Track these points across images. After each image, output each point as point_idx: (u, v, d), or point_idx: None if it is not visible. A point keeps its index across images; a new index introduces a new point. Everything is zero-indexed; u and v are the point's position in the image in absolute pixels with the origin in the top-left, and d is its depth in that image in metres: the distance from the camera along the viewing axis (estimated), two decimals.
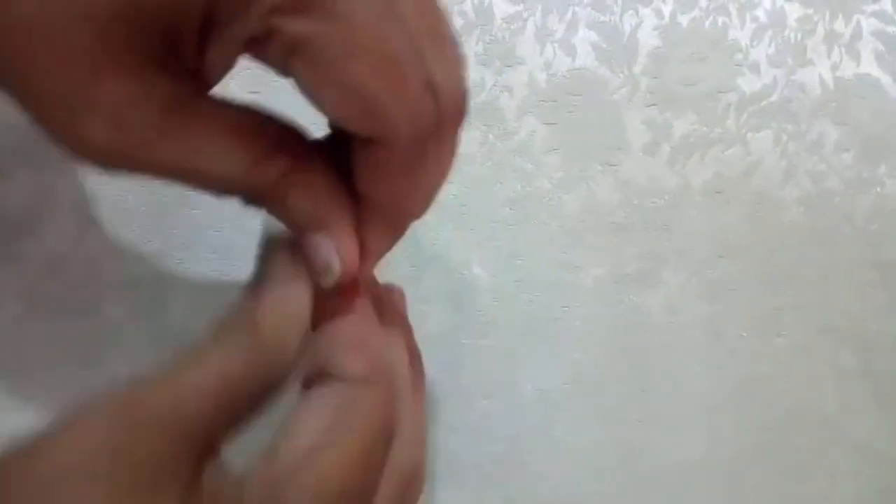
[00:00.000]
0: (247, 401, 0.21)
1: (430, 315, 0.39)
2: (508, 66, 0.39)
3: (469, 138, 0.39)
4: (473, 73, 0.39)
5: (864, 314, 0.40)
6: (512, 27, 0.39)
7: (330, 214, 0.23)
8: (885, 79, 0.41)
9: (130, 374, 0.35)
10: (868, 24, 0.41)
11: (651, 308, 0.40)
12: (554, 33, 0.39)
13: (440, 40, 0.22)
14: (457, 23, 0.39)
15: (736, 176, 0.40)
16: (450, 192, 0.39)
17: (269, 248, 0.24)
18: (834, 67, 0.41)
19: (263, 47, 0.20)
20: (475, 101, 0.39)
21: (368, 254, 0.25)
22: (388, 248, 0.26)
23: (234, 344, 0.21)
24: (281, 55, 0.20)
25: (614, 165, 0.40)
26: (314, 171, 0.23)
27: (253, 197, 0.23)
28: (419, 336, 0.38)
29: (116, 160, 0.21)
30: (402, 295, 0.29)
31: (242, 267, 0.38)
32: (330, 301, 0.24)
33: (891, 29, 0.41)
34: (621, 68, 0.40)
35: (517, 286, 0.39)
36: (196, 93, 0.22)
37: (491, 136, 0.39)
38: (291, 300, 0.23)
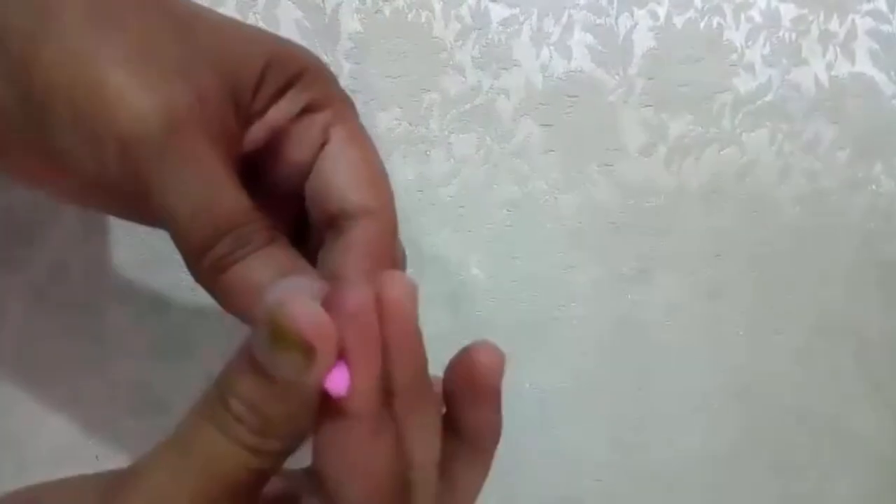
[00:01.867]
0: (247, 492, 0.21)
1: (429, 316, 0.39)
2: (505, 69, 0.40)
3: (466, 141, 0.39)
4: (470, 77, 0.39)
5: (860, 313, 0.40)
6: (508, 30, 0.40)
7: (305, 265, 0.24)
8: (880, 77, 0.41)
9: (133, 378, 0.36)
10: (863, 24, 0.41)
11: (648, 307, 0.40)
12: (550, 36, 0.40)
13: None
14: (453, 27, 0.39)
15: (732, 176, 0.40)
16: (447, 195, 0.39)
17: (274, 327, 0.21)
18: (829, 67, 0.41)
19: (313, 114, 0.26)
20: (472, 103, 0.39)
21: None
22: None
23: (235, 437, 0.21)
24: (326, 122, 0.26)
25: (611, 166, 0.40)
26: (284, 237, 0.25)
27: (243, 238, 0.23)
28: None
29: (169, 128, 0.22)
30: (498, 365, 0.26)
31: None
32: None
33: (885, 28, 0.41)
34: (617, 70, 0.40)
35: (515, 287, 0.39)
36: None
37: (488, 138, 0.40)
38: (303, 394, 0.21)
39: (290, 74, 0.25)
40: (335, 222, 0.25)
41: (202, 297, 0.37)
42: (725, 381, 0.40)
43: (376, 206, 0.25)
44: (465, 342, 0.39)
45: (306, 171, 0.26)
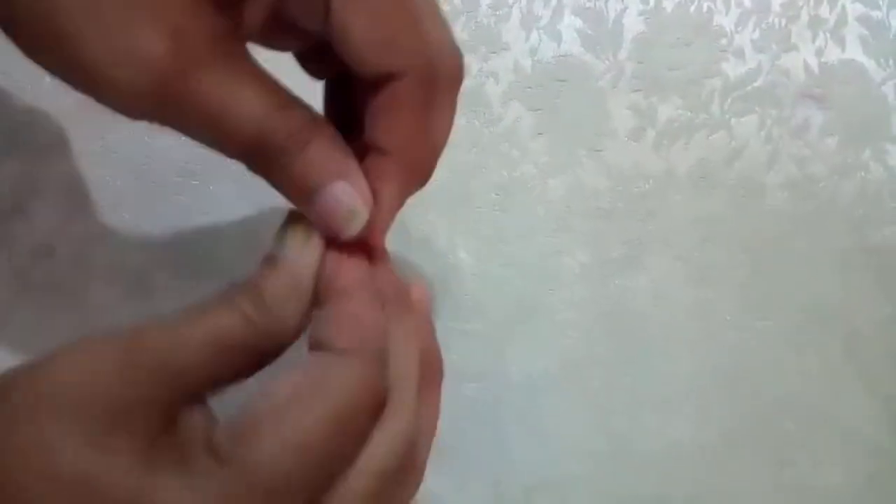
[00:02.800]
0: (239, 361, 0.23)
1: None
2: (494, 53, 0.40)
3: (455, 124, 0.39)
4: None
5: (849, 299, 0.40)
6: (498, 13, 0.39)
7: (348, 164, 0.24)
8: (870, 64, 0.41)
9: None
10: (853, 10, 0.41)
11: (637, 293, 0.40)
12: (539, 19, 0.40)
13: (435, 13, 0.25)
14: (443, 10, 0.39)
15: (721, 161, 0.40)
16: (435, 178, 0.39)
17: (288, 222, 0.25)
18: (819, 53, 0.41)
19: None
20: (462, 87, 0.39)
21: (382, 208, 0.25)
22: (400, 204, 0.27)
23: (235, 306, 0.23)
24: None
25: (599, 151, 0.40)
26: (329, 126, 0.24)
27: (276, 146, 0.23)
28: None
29: (163, 88, 0.21)
30: (423, 293, 0.29)
31: (229, 252, 0.38)
32: (344, 264, 0.25)
33: (875, 14, 0.41)
34: (606, 54, 0.40)
35: (503, 271, 0.39)
36: (238, 36, 0.23)
37: (477, 122, 0.39)
38: (297, 272, 0.24)
39: None
40: (367, 82, 0.24)
41: (188, 277, 0.37)
42: (714, 367, 0.40)
43: (399, 66, 0.23)
44: (452, 325, 0.39)
45: (326, 35, 0.24)
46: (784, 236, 0.40)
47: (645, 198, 0.40)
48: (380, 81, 0.24)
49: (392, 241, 0.39)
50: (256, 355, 0.23)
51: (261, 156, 0.24)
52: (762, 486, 0.40)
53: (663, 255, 0.40)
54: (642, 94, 0.40)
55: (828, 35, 0.41)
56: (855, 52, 0.41)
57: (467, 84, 0.39)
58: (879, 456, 0.40)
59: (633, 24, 0.40)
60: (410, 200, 0.36)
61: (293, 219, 0.25)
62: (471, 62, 0.39)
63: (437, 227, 0.39)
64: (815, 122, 0.41)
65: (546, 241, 0.40)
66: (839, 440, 0.40)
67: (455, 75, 0.25)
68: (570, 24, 0.40)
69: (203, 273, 0.38)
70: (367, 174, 0.25)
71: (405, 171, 0.26)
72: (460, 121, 0.39)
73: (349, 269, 0.25)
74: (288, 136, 0.23)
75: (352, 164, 0.24)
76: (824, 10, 0.41)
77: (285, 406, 0.21)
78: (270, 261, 0.24)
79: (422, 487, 0.39)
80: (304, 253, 0.24)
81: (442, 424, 0.39)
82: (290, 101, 0.23)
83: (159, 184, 0.37)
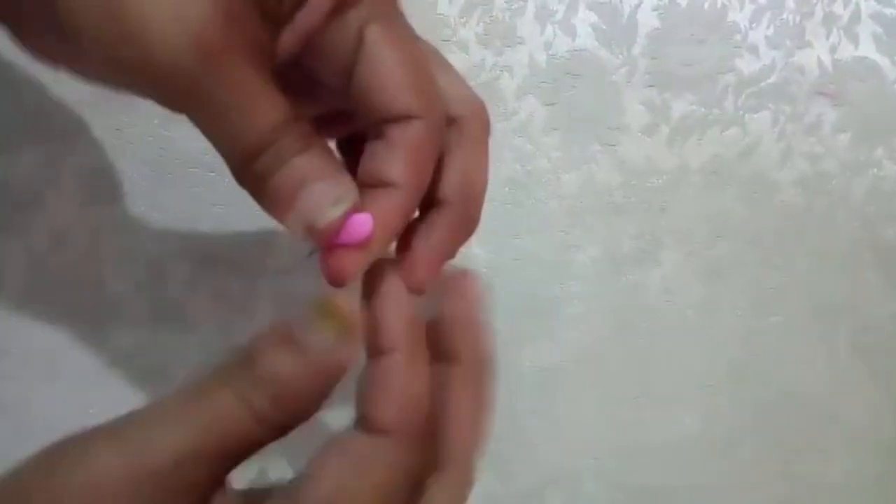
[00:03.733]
0: (249, 452, 0.22)
1: None
2: (509, 47, 0.40)
3: None
4: (474, 54, 0.39)
5: (859, 295, 0.41)
6: (512, 7, 0.40)
7: (340, 170, 0.24)
8: (883, 61, 0.41)
9: (132, 346, 0.36)
10: (867, 7, 0.41)
11: (648, 287, 0.40)
12: (554, 14, 0.40)
13: (448, 68, 0.27)
14: (458, 3, 0.39)
15: (733, 157, 0.40)
16: None
17: (320, 306, 0.23)
18: (832, 49, 0.41)
19: (341, 21, 0.23)
20: (475, 81, 0.39)
21: (420, 255, 0.25)
22: (449, 250, 0.27)
23: (246, 402, 0.21)
24: (362, 19, 0.23)
25: (613, 146, 0.40)
26: (325, 143, 0.24)
27: (268, 151, 0.23)
28: None
29: (202, 55, 0.21)
30: (472, 288, 0.28)
31: (244, 243, 0.38)
32: (387, 312, 0.24)
33: (889, 12, 0.41)
34: (621, 49, 0.40)
35: (516, 265, 0.39)
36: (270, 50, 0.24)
37: (491, 116, 0.39)
38: (327, 369, 0.22)
39: None
40: (379, 128, 0.24)
41: (201, 267, 0.37)
42: (723, 362, 0.40)
43: (416, 109, 0.23)
44: None
45: (348, 75, 0.24)
46: (795, 232, 0.41)
47: (658, 193, 0.40)
48: (397, 118, 0.24)
49: None
50: (258, 446, 0.22)
51: (257, 158, 0.23)
52: (770, 479, 0.40)
53: (675, 250, 0.40)
54: (656, 89, 0.40)
55: (841, 32, 0.41)
56: (868, 49, 0.41)
57: (481, 79, 0.39)
58: (887, 451, 0.40)
59: (648, 20, 0.40)
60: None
61: (327, 306, 0.22)
62: (485, 56, 0.39)
63: None
64: (827, 119, 0.41)
65: (559, 235, 0.40)
66: (847, 435, 0.40)
67: (480, 118, 0.27)
68: (584, 18, 0.40)
69: (217, 264, 0.38)
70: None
71: (456, 220, 0.27)
72: None
73: (392, 320, 0.24)
74: (288, 143, 0.23)
75: (343, 172, 0.24)
76: (838, 7, 0.41)
77: (328, 497, 0.21)
78: (288, 343, 0.22)
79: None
80: (336, 346, 0.22)
81: None
82: (297, 116, 0.23)
83: (175, 175, 0.37)
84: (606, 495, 0.39)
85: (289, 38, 0.24)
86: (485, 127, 0.27)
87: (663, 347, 0.40)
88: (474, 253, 0.39)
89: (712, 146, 0.40)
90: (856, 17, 0.41)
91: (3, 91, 0.36)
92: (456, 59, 0.39)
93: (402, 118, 0.23)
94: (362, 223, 0.23)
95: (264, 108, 0.22)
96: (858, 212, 0.41)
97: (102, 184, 0.37)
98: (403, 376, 0.23)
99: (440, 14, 0.39)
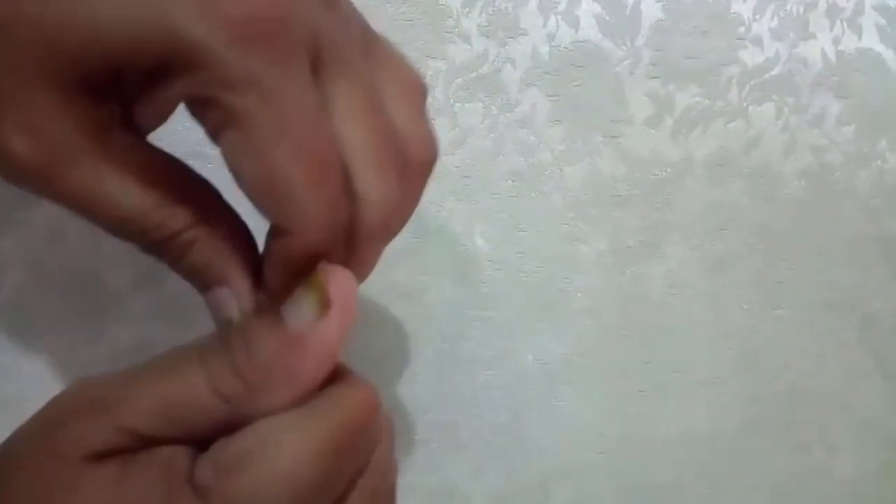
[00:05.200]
0: (225, 423, 0.21)
1: (433, 287, 0.39)
2: (511, 38, 0.39)
3: (471, 110, 0.39)
4: (476, 45, 0.39)
5: (864, 287, 0.40)
6: None
7: (230, 269, 0.23)
8: (887, 53, 0.41)
9: (131, 342, 0.35)
10: None
11: (653, 280, 0.40)
12: (557, 5, 0.39)
13: (377, 155, 0.23)
14: None
15: (738, 149, 0.40)
16: (452, 165, 0.39)
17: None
18: (836, 41, 0.41)
19: (202, 110, 0.21)
20: (478, 72, 0.39)
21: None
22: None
23: (212, 380, 0.21)
24: (215, 122, 0.21)
25: (617, 138, 0.40)
26: (219, 225, 0.23)
27: (152, 244, 0.23)
28: (422, 306, 0.38)
29: (32, 178, 0.21)
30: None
31: None
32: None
33: (892, 3, 0.41)
34: (624, 41, 0.40)
35: (519, 258, 0.39)
36: (120, 127, 0.22)
37: (494, 108, 0.39)
38: (311, 348, 0.22)
39: (149, 67, 0.20)
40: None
41: None
42: (729, 355, 0.40)
43: (285, 226, 0.21)
44: (469, 312, 0.39)
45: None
46: (800, 225, 0.40)
47: (662, 186, 0.40)
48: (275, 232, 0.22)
49: (408, 228, 0.38)
50: (226, 424, 0.22)
51: (145, 248, 0.23)
52: (777, 473, 0.40)
53: (680, 243, 0.40)
54: (660, 81, 0.40)
55: (845, 24, 0.41)
56: (872, 40, 0.41)
57: (484, 70, 0.39)
58: (894, 443, 0.40)
59: (652, 11, 0.40)
60: (427, 187, 0.36)
61: (313, 281, 0.22)
62: (488, 48, 0.39)
63: (453, 215, 0.39)
64: (832, 111, 0.41)
65: (563, 228, 0.39)
66: (854, 428, 0.40)
67: (380, 229, 0.24)
68: (588, 9, 0.39)
69: None
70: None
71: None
72: (477, 107, 0.39)
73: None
74: (165, 236, 0.22)
75: (233, 270, 0.23)
76: None
77: (272, 437, 0.20)
78: (269, 322, 0.22)
79: (438, 474, 0.38)
80: (314, 319, 0.21)
81: (458, 411, 0.39)
82: (172, 199, 0.22)
83: None
84: (612, 490, 0.39)
85: (151, 111, 0.22)
86: (377, 236, 0.24)
87: (668, 341, 0.39)
88: (478, 246, 0.39)
89: (716, 138, 0.40)
90: (859, 9, 0.41)
91: None
92: (458, 51, 0.39)
93: (274, 228, 0.22)
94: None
95: (122, 196, 0.21)
96: (863, 204, 0.40)
97: None
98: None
99: (442, 5, 0.38)
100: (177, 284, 0.37)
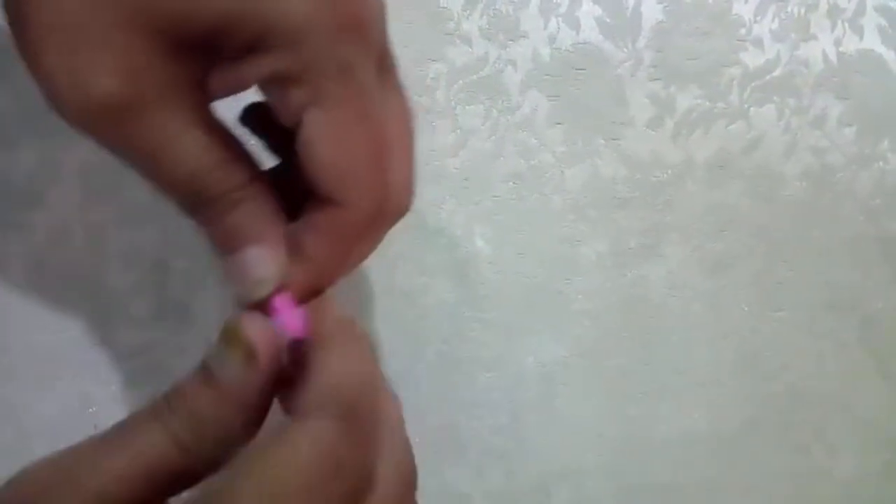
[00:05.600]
0: (172, 484, 0.22)
1: (433, 288, 0.39)
2: (512, 41, 0.39)
3: (472, 112, 0.39)
4: (477, 48, 0.39)
5: (865, 289, 0.40)
6: (516, 1, 0.39)
7: (270, 231, 0.24)
8: (888, 54, 0.41)
9: (133, 344, 0.35)
10: (871, 0, 0.41)
11: (653, 282, 0.40)
12: (558, 7, 0.39)
13: (409, 148, 0.26)
14: None
15: (739, 150, 0.40)
16: (453, 166, 0.39)
17: (226, 335, 0.24)
18: (837, 42, 0.41)
19: (285, 88, 0.22)
20: (479, 74, 0.39)
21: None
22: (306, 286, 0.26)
23: (167, 429, 0.22)
24: (300, 100, 0.22)
25: (617, 140, 0.40)
26: (264, 191, 0.24)
27: (202, 202, 0.24)
28: (422, 307, 0.38)
29: (109, 119, 0.22)
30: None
31: None
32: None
33: (894, 4, 0.41)
34: (625, 43, 0.40)
35: (520, 260, 0.39)
36: (199, 86, 0.23)
37: (494, 110, 0.39)
38: (235, 394, 0.23)
39: (246, 39, 0.21)
40: (316, 202, 0.24)
41: (203, 263, 0.37)
42: (729, 356, 0.40)
43: (345, 200, 0.23)
44: (469, 314, 0.39)
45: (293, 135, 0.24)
46: (801, 226, 0.40)
47: (662, 187, 0.40)
48: (328, 200, 0.24)
49: (409, 230, 0.39)
50: (191, 477, 0.22)
51: (193, 204, 0.24)
52: (777, 474, 0.40)
53: (680, 244, 0.40)
54: (661, 83, 0.40)
55: (846, 25, 0.41)
56: (873, 42, 0.41)
57: (485, 72, 0.39)
58: (894, 444, 0.40)
59: (652, 13, 0.40)
60: (428, 189, 0.36)
61: (230, 333, 0.23)
62: (489, 50, 0.39)
63: (454, 216, 0.39)
64: (833, 112, 0.41)
65: (563, 229, 0.39)
66: (854, 429, 0.40)
67: (398, 214, 0.26)
68: (588, 11, 0.40)
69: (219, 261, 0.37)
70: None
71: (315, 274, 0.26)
72: (478, 109, 0.39)
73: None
74: (220, 192, 0.23)
75: (273, 232, 0.24)
76: (843, 0, 0.41)
77: (269, 448, 0.21)
78: (206, 376, 0.23)
79: (439, 476, 0.39)
80: (243, 374, 0.22)
81: (458, 413, 0.39)
82: (231, 158, 0.23)
83: None
84: (612, 491, 0.39)
85: (229, 81, 0.23)
86: (394, 218, 0.26)
87: (669, 342, 0.40)
88: (478, 248, 0.39)
89: (717, 140, 0.40)
90: (860, 10, 0.41)
91: (4, 88, 0.35)
92: (459, 53, 0.39)
93: (329, 203, 0.24)
94: (286, 316, 0.24)
95: (187, 150, 0.22)
96: (864, 205, 0.40)
97: (103, 180, 0.36)
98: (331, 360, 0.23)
99: (443, 7, 0.38)
100: (179, 286, 0.37)
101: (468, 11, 0.39)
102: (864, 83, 0.41)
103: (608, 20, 0.40)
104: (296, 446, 0.21)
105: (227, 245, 0.24)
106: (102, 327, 0.36)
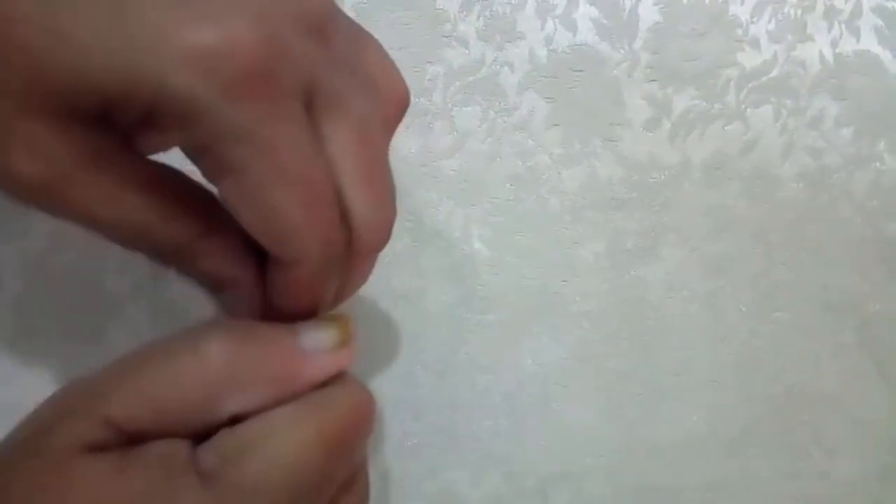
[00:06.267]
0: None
1: (430, 290, 0.39)
2: (509, 42, 0.39)
3: (469, 114, 0.39)
4: (474, 49, 0.39)
5: (863, 290, 0.40)
6: (513, 2, 0.39)
7: (239, 275, 0.24)
8: (885, 55, 0.41)
9: (132, 346, 0.35)
10: (868, 0, 0.41)
11: (651, 283, 0.40)
12: (554, 8, 0.39)
13: (368, 179, 0.24)
14: None
15: (736, 152, 0.40)
16: (450, 168, 0.39)
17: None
18: (834, 43, 0.41)
19: (197, 158, 0.22)
20: (476, 76, 0.39)
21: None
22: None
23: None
24: (212, 170, 0.22)
25: (614, 141, 0.40)
26: (224, 232, 0.24)
27: (162, 254, 0.24)
28: (419, 309, 0.38)
29: (37, 196, 0.22)
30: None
31: None
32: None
33: (891, 5, 0.41)
34: (622, 44, 0.40)
35: (517, 262, 0.39)
36: (120, 149, 0.22)
37: (491, 111, 0.39)
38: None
39: (138, 114, 0.20)
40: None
41: None
42: (728, 358, 0.40)
43: (286, 258, 0.23)
44: (467, 316, 0.39)
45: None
46: (798, 227, 0.40)
47: (660, 188, 0.40)
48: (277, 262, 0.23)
49: (406, 232, 0.39)
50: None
51: (156, 257, 0.24)
52: (776, 477, 0.40)
53: (678, 245, 0.40)
54: (658, 84, 0.40)
55: (843, 26, 0.41)
56: (870, 42, 0.41)
57: (482, 74, 0.39)
58: (893, 446, 0.40)
59: (649, 14, 0.40)
60: (425, 191, 0.36)
61: (343, 320, 0.25)
62: (485, 52, 0.39)
63: (451, 218, 0.39)
64: (830, 113, 0.41)
65: (560, 231, 0.39)
66: (853, 431, 0.40)
67: (374, 246, 0.25)
68: (585, 13, 0.40)
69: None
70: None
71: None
72: (474, 110, 0.39)
73: None
74: (177, 247, 0.23)
75: (243, 274, 0.24)
76: (839, 1, 0.41)
77: (277, 427, 0.21)
78: (292, 332, 0.24)
79: (437, 478, 0.39)
80: (332, 350, 0.24)
81: (457, 415, 0.39)
82: (180, 212, 0.23)
83: None
84: (611, 494, 0.39)
85: (142, 149, 0.23)
86: (371, 252, 0.25)
87: (666, 344, 0.40)
88: (476, 250, 0.39)
89: (714, 141, 0.40)
90: (857, 11, 0.41)
91: None
92: (456, 55, 0.39)
93: (275, 260, 0.23)
94: None
95: (128, 212, 0.22)
96: (861, 206, 0.40)
97: None
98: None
99: (440, 9, 0.38)
100: (177, 291, 0.37)
101: (465, 13, 0.39)
102: (861, 84, 0.41)
103: (605, 21, 0.40)
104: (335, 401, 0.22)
105: (206, 287, 0.25)
106: (100, 331, 0.36)
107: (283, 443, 0.21)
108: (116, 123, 0.21)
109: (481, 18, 0.39)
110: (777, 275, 0.40)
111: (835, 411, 0.40)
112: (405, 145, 0.38)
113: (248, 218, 0.22)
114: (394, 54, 0.37)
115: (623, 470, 0.39)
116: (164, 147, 0.22)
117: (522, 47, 0.39)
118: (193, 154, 0.21)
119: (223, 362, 0.22)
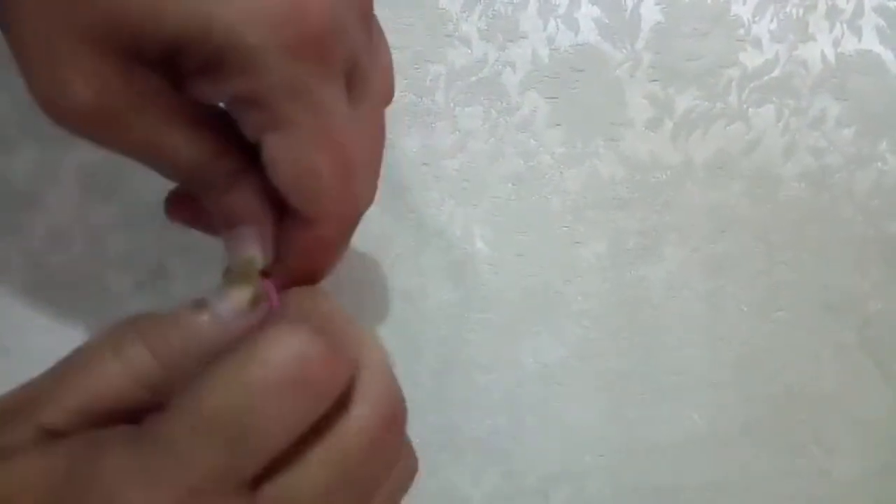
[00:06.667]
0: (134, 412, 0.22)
1: (432, 289, 0.39)
2: (511, 42, 0.39)
3: (471, 114, 0.39)
4: (476, 49, 0.39)
5: (864, 289, 0.40)
6: (515, 2, 0.39)
7: (262, 214, 0.25)
8: (887, 55, 0.41)
9: None
10: (870, 0, 0.41)
11: (652, 283, 0.40)
12: (557, 8, 0.39)
13: (370, 160, 0.26)
14: None
15: (737, 151, 0.40)
16: (452, 168, 0.39)
17: (236, 273, 0.25)
18: (835, 43, 0.41)
19: (245, 110, 0.23)
20: (478, 76, 0.39)
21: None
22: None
23: (123, 359, 0.23)
24: (259, 123, 0.23)
25: (616, 141, 0.40)
26: (255, 174, 0.25)
27: (199, 185, 0.25)
28: (421, 309, 0.38)
29: (90, 128, 0.22)
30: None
31: None
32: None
33: (893, 4, 0.41)
34: (624, 44, 0.40)
35: (519, 261, 0.39)
36: (175, 90, 0.23)
37: (493, 111, 0.39)
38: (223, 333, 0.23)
39: (202, 59, 0.21)
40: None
41: (203, 264, 0.37)
42: (729, 357, 0.40)
43: (312, 217, 0.24)
44: (468, 315, 0.39)
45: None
46: (800, 227, 0.40)
47: (662, 188, 0.40)
48: (298, 214, 0.25)
49: (408, 231, 0.39)
50: (136, 412, 0.22)
51: (193, 187, 0.25)
52: (776, 475, 0.40)
53: (679, 245, 0.40)
54: (660, 84, 0.40)
55: (845, 26, 0.41)
56: (872, 42, 0.41)
57: (484, 74, 0.39)
58: (892, 445, 0.40)
59: (651, 14, 0.40)
60: (427, 191, 0.36)
61: (247, 267, 0.24)
62: (487, 51, 0.39)
63: (453, 217, 0.39)
64: (831, 113, 0.41)
65: (562, 231, 0.40)
66: (853, 430, 0.40)
67: (358, 218, 0.26)
68: (587, 13, 0.40)
69: (218, 261, 0.37)
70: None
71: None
72: (477, 110, 0.39)
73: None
74: (216, 178, 0.24)
75: (265, 215, 0.25)
76: (841, 1, 0.41)
77: (200, 377, 0.20)
78: (200, 305, 0.23)
79: (438, 477, 0.39)
80: (245, 312, 0.24)
81: (457, 414, 0.39)
82: (221, 151, 0.24)
83: None
84: (611, 493, 0.39)
85: (194, 96, 0.24)
86: (354, 225, 0.27)
87: (667, 343, 0.40)
88: (477, 249, 0.39)
89: (716, 141, 0.40)
90: (859, 11, 0.41)
91: (3, 90, 0.35)
92: (458, 55, 0.39)
93: (300, 218, 0.24)
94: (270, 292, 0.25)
95: (179, 146, 0.23)
96: (863, 206, 0.40)
97: (102, 182, 0.36)
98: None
99: (442, 9, 0.38)
100: (178, 286, 0.37)
101: (467, 13, 0.39)
102: (863, 84, 0.41)
103: (607, 21, 0.40)
104: (267, 346, 0.20)
105: (225, 222, 0.25)
106: (101, 328, 0.36)
107: (209, 392, 0.20)
108: (176, 67, 0.22)
109: (483, 18, 0.39)
110: (778, 274, 0.40)
111: (835, 411, 0.40)
112: (407, 144, 0.38)
113: (286, 171, 0.23)
114: (396, 54, 0.37)
115: (623, 469, 0.39)
116: (214, 96, 0.23)
117: (524, 47, 0.39)
118: (242, 106, 0.23)
119: (146, 358, 0.23)
